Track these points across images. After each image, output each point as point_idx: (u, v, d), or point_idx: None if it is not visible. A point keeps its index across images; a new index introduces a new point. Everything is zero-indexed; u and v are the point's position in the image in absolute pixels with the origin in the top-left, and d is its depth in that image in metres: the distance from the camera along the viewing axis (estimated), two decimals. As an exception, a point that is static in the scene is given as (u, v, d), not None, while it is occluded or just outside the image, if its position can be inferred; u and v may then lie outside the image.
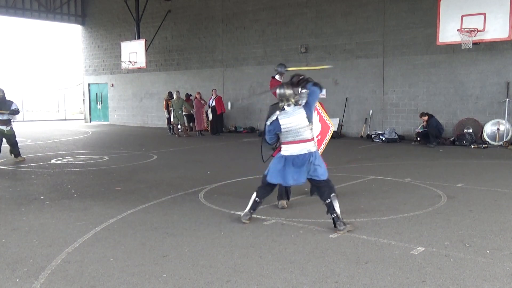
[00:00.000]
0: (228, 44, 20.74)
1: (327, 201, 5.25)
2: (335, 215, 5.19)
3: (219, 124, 19.04)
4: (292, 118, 5.31)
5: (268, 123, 5.43)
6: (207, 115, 19.33)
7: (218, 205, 6.50)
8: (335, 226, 5.19)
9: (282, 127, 5.34)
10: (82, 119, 29.44)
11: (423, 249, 4.56)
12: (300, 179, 5.42)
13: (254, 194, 5.62)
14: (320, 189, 5.38)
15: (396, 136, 15.28)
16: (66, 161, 11.18)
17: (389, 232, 5.13)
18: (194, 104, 18.98)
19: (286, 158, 5.39)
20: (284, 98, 5.36)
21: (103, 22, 26.32)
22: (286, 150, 5.40)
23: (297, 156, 5.33)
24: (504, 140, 13.60)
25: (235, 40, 20.45)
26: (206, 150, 13.90)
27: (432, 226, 5.35)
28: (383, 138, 15.22)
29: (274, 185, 5.68)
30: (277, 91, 5.40)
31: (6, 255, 4.53)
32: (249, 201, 5.64)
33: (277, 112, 5.39)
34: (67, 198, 7.10)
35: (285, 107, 5.36)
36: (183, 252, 4.57)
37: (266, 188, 5.67)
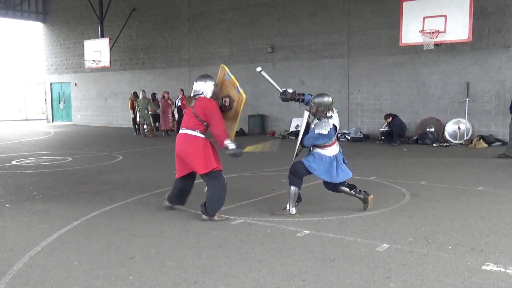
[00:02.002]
0: (194, 43, 20.61)
1: (345, 183, 5.96)
2: (358, 189, 5.97)
3: (185, 124, 18.86)
4: (338, 121, 5.84)
5: (324, 132, 5.64)
6: (173, 115, 19.15)
7: (185, 205, 6.44)
8: (365, 199, 5.94)
9: (336, 131, 5.80)
10: (44, 119, 28.69)
11: (388, 246, 4.65)
12: (349, 174, 5.92)
13: (293, 187, 5.82)
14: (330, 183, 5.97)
15: (361, 135, 15.53)
16: (28, 163, 10.87)
17: (355, 230, 5.20)
18: (160, 103, 18.77)
19: (330, 158, 5.80)
20: (331, 106, 5.76)
21: (65, 20, 25.71)
22: (331, 150, 5.82)
23: (339, 153, 5.88)
24: (465, 138, 14.01)
25: (201, 40, 20.34)
26: (172, 150, 13.67)
27: (396, 223, 5.46)
28: (349, 137, 15.44)
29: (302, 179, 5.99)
30: (328, 99, 5.75)
31: (-36, 260, 4.37)
32: (288, 196, 5.85)
33: (330, 120, 5.70)
34: (28, 200, 6.90)
35: (332, 114, 5.77)
36: (149, 254, 4.51)
37: (300, 180, 5.92)
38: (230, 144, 5.60)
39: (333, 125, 5.70)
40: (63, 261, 4.32)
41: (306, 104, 6.08)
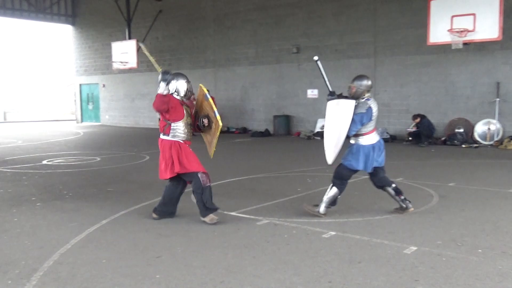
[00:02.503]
0: (220, 44, 20.71)
1: (393, 185, 5.87)
2: (403, 196, 5.85)
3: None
4: (376, 107, 5.74)
5: (363, 111, 5.58)
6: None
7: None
8: (403, 208, 5.85)
9: (373, 115, 5.65)
10: (73, 120, 29.27)
11: (416, 248, 4.58)
12: (382, 162, 5.82)
13: (335, 189, 5.73)
14: (380, 176, 5.89)
15: (388, 136, 15.35)
16: (58, 162, 11.11)
17: (382, 232, 5.15)
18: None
19: (369, 147, 5.67)
20: (370, 89, 5.77)
21: (93, 22, 26.18)
22: (370, 139, 5.70)
23: (379, 141, 5.78)
24: (495, 139, 13.71)
25: (227, 41, 20.44)
26: (198, 150, 13.82)
27: (424, 226, 5.38)
28: (375, 138, 15.25)
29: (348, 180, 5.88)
30: (367, 82, 5.75)
31: (-3, 257, 4.49)
32: (327, 195, 5.77)
33: (367, 102, 5.64)
34: (59, 199, 7.05)
35: (370, 97, 5.74)
36: (176, 253, 4.55)
37: (344, 184, 5.83)
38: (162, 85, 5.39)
39: (370, 107, 5.64)
40: (92, 259, 4.40)
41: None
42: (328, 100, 5.90)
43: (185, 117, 5.65)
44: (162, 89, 5.36)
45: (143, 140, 17.27)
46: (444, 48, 14.34)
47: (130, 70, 22.68)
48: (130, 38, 21.76)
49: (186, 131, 5.65)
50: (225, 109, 20.64)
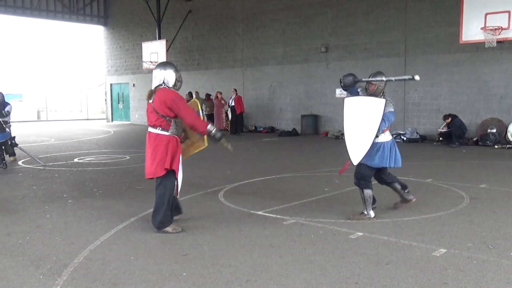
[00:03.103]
0: (248, 44, 20.76)
1: (399, 180, 5.98)
2: (408, 189, 6.04)
3: (238, 124, 19.07)
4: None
5: (391, 109, 5.59)
6: (227, 115, 19.39)
7: (237, 204, 6.52)
8: (406, 200, 6.02)
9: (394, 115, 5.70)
10: (104, 119, 29.82)
11: (445, 250, 4.50)
12: (399, 162, 5.79)
13: (368, 191, 5.68)
14: (387, 173, 5.93)
15: (418, 136, 15.10)
16: (89, 160, 11.35)
17: (410, 233, 5.07)
18: (214, 103, 19.06)
19: (388, 143, 5.67)
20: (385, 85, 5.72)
21: (124, 23, 26.61)
22: (387, 136, 5.71)
23: (392, 140, 5.78)
24: (529, 140, 13.32)
25: (255, 40, 20.47)
26: (226, 149, 13.91)
27: (454, 228, 5.27)
28: (404, 138, 15.06)
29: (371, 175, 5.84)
30: (385, 78, 5.60)
31: (30, 252, 4.62)
32: (363, 199, 5.71)
33: (388, 99, 5.58)
34: (89, 196, 7.20)
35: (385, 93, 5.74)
36: (203, 251, 4.59)
37: (370, 182, 5.76)
38: (212, 128, 5.22)
39: (392, 105, 5.72)
40: (121, 256, 4.48)
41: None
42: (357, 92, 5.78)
43: None
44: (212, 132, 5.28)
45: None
46: (477, 47, 14.02)
47: (160, 70, 22.90)
48: (160, 38, 22.02)
49: (177, 125, 5.28)
50: (253, 108, 20.69)
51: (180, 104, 5.09)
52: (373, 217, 5.66)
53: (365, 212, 5.71)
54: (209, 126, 5.23)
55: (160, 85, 5.21)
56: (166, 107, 5.06)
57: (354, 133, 5.58)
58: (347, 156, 5.66)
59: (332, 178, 8.59)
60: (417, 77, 5.39)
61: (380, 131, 5.54)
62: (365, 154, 5.57)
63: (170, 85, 5.24)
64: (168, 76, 5.23)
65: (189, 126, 5.23)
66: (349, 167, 5.81)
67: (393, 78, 5.67)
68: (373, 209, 5.75)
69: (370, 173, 5.75)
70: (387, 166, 5.75)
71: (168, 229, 5.19)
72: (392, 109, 5.61)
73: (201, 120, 5.23)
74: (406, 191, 6.05)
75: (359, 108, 5.56)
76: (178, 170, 5.30)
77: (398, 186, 5.99)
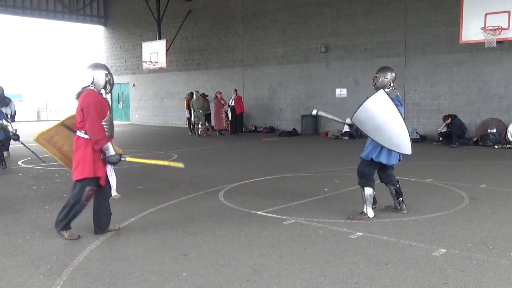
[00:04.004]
0: (248, 43, 20.77)
1: (397, 185, 5.93)
2: (402, 198, 5.95)
3: (238, 124, 19.07)
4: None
5: (393, 96, 5.57)
6: (226, 115, 19.39)
7: (237, 204, 6.52)
8: (397, 208, 5.94)
9: (402, 106, 5.67)
10: (104, 119, 29.79)
11: (445, 250, 4.50)
12: (397, 158, 5.75)
13: (369, 190, 5.62)
14: (388, 172, 5.90)
15: (418, 136, 15.11)
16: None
17: (410, 233, 5.07)
18: (214, 103, 19.06)
19: None
20: (394, 80, 5.77)
21: (124, 23, 26.62)
22: None
23: None
24: (529, 140, 13.33)
25: (255, 40, 20.47)
26: (226, 149, 13.96)
27: (454, 228, 5.28)
28: (405, 138, 15.03)
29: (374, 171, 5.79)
30: (391, 73, 5.72)
31: (30, 252, 4.62)
32: (363, 198, 5.67)
33: (394, 91, 5.68)
34: (89, 196, 7.19)
35: (394, 88, 5.78)
36: (203, 251, 4.59)
37: (372, 180, 5.70)
38: (108, 150, 4.91)
39: (398, 94, 5.77)
40: (121, 256, 4.48)
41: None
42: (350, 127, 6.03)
43: (108, 115, 5.06)
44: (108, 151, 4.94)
45: (172, 139, 17.47)
46: (477, 47, 14.04)
47: (160, 70, 22.97)
48: (160, 38, 22.03)
49: (109, 129, 5.09)
50: (253, 109, 20.70)
51: (91, 112, 4.80)
52: (373, 217, 5.63)
53: (365, 212, 5.68)
54: (105, 147, 4.90)
55: (88, 86, 5.00)
56: (81, 110, 4.87)
57: (385, 134, 5.40)
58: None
59: (332, 178, 8.60)
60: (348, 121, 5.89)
61: (403, 115, 5.52)
62: (370, 149, 5.58)
63: (100, 87, 5.06)
64: (98, 77, 5.01)
65: (88, 134, 4.86)
66: (354, 166, 5.82)
67: (329, 116, 6.12)
68: (373, 209, 5.71)
69: (371, 171, 5.71)
70: (393, 162, 5.71)
71: (64, 233, 4.98)
72: (394, 96, 5.60)
73: (101, 138, 4.85)
74: (400, 199, 5.95)
75: (370, 113, 5.42)
76: (103, 175, 5.01)
77: (393, 192, 5.96)
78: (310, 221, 5.63)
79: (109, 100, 5.34)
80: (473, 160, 10.89)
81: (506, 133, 13.82)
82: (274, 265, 4.21)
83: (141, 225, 5.54)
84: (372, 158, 5.60)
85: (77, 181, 4.94)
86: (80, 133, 4.93)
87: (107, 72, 5.11)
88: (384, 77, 5.70)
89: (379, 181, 6.03)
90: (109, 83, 5.13)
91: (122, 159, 5.11)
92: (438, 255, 4.39)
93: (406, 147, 5.47)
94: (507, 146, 13.20)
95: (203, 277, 3.94)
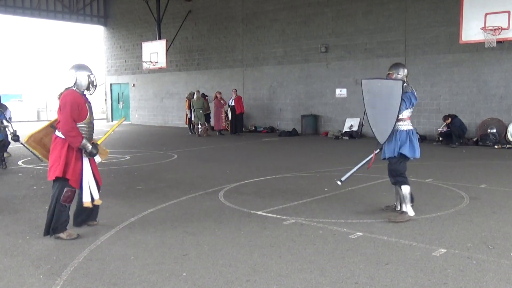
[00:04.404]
0: (248, 43, 20.77)
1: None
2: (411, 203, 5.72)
3: (238, 124, 19.07)
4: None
5: (409, 90, 5.56)
6: (226, 115, 19.39)
7: (237, 204, 6.52)
8: (397, 210, 5.76)
9: (417, 101, 5.66)
10: (104, 119, 29.81)
11: (445, 250, 4.50)
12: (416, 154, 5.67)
13: (406, 188, 5.56)
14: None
15: (418, 136, 15.07)
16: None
17: (410, 233, 5.07)
18: (213, 103, 19.06)
19: (406, 132, 5.59)
20: (407, 76, 5.74)
21: (124, 23, 26.61)
22: (409, 124, 5.65)
23: (414, 130, 5.72)
24: (529, 140, 13.32)
25: (255, 40, 20.47)
26: (226, 149, 13.96)
27: (454, 228, 5.28)
28: (405, 138, 15.03)
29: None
30: (403, 69, 5.74)
31: (30, 252, 4.62)
32: (402, 197, 5.58)
33: (409, 86, 5.64)
34: (89, 196, 7.19)
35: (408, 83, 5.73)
36: (203, 251, 4.59)
37: (406, 177, 5.65)
38: (85, 146, 4.93)
39: (413, 90, 5.69)
40: (121, 256, 4.48)
41: None
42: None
43: (88, 117, 5.09)
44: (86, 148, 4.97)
45: (172, 139, 17.47)
46: (477, 47, 14.03)
47: (160, 70, 22.97)
48: (160, 38, 22.03)
49: (88, 130, 5.11)
50: (253, 109, 20.70)
51: (66, 110, 4.84)
52: (413, 215, 5.54)
53: (405, 210, 5.56)
54: (82, 145, 4.92)
55: (71, 86, 5.04)
56: (59, 109, 4.92)
57: (376, 114, 5.62)
58: (373, 148, 5.79)
59: (332, 178, 8.59)
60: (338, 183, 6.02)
61: (401, 111, 5.48)
62: (394, 145, 5.55)
63: (83, 88, 5.09)
64: (81, 78, 5.05)
65: (63, 127, 4.88)
66: (376, 159, 5.83)
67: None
68: (412, 207, 5.61)
69: (404, 167, 5.65)
70: (418, 155, 5.67)
71: (62, 235, 4.98)
72: (410, 91, 5.59)
73: (74, 135, 4.87)
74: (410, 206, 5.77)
75: (378, 90, 5.60)
76: (77, 178, 4.99)
77: (407, 197, 5.68)
78: (310, 221, 5.63)
79: (92, 102, 5.31)
80: (473, 160, 10.89)
81: (506, 133, 13.81)
82: (274, 265, 4.21)
83: (141, 225, 5.54)
84: (399, 153, 5.57)
85: (55, 181, 4.96)
86: (59, 133, 4.96)
87: (89, 73, 5.13)
88: (398, 74, 5.70)
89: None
90: (92, 84, 5.16)
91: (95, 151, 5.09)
92: (438, 255, 4.39)
93: (383, 137, 5.62)
94: (507, 146, 13.19)
95: (203, 277, 3.94)
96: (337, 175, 8.86)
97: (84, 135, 5.00)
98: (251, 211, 6.10)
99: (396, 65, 5.85)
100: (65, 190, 4.93)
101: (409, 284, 3.75)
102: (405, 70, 5.76)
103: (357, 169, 6.01)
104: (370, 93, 5.67)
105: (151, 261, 4.35)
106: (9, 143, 10.77)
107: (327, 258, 4.35)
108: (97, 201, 5.24)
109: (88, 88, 5.14)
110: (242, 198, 6.94)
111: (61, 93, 5.03)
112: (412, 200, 5.69)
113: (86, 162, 5.09)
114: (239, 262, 4.29)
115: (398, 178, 5.62)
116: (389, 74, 5.77)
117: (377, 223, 5.47)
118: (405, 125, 5.62)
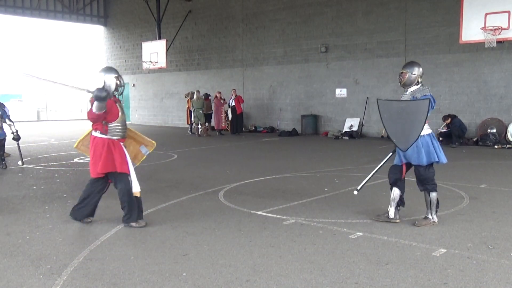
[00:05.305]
0: (248, 44, 20.76)
1: (401, 194, 5.52)
2: (399, 208, 5.54)
3: (239, 124, 19.07)
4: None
5: (427, 93, 5.28)
6: (227, 115, 19.39)
7: (237, 204, 6.52)
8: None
9: (436, 103, 5.35)
10: (104, 119, 29.79)
11: (445, 250, 4.50)
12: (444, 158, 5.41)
13: (396, 190, 5.41)
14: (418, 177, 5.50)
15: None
16: (88, 160, 11.31)
17: (410, 233, 5.07)
18: (213, 103, 19.05)
19: (430, 136, 5.35)
20: (422, 75, 5.44)
21: (124, 23, 26.62)
22: (428, 128, 5.34)
23: (433, 134, 5.40)
24: (529, 140, 13.32)
25: (255, 40, 20.47)
26: (226, 149, 13.95)
27: (454, 228, 5.27)
28: (405, 138, 15.03)
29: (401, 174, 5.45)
30: (418, 68, 5.40)
31: (30, 252, 4.62)
32: (429, 203, 5.35)
33: (426, 88, 5.37)
34: (89, 196, 7.19)
35: (423, 84, 5.45)
36: (202, 251, 4.59)
37: (403, 180, 5.46)
38: (96, 91, 5.13)
39: (430, 92, 5.38)
40: (121, 256, 4.48)
41: None
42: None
43: (120, 116, 5.45)
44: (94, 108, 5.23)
45: (172, 139, 17.46)
46: (477, 47, 14.04)
47: (160, 70, 22.97)
48: (160, 38, 22.03)
49: (122, 129, 5.49)
50: (253, 109, 20.70)
51: (92, 106, 5.25)
52: (437, 222, 5.34)
53: (430, 217, 5.35)
54: (96, 92, 5.10)
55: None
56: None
57: (398, 129, 5.26)
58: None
59: (332, 178, 8.60)
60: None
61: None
62: (430, 150, 5.27)
63: (111, 90, 5.40)
64: (109, 80, 5.39)
65: (91, 120, 5.32)
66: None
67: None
68: (436, 213, 5.40)
69: (433, 173, 5.40)
70: (444, 160, 5.39)
71: (133, 224, 5.44)
72: (428, 93, 5.28)
73: (96, 114, 5.24)
74: (398, 208, 5.56)
75: (400, 110, 5.26)
76: (124, 167, 5.46)
77: (434, 201, 5.40)
78: (310, 221, 5.63)
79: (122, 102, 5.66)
80: (473, 160, 10.89)
81: (506, 133, 13.81)
82: (274, 265, 4.21)
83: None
84: (427, 161, 5.27)
85: (118, 177, 5.44)
86: (96, 133, 5.37)
87: (117, 75, 5.49)
88: (412, 73, 5.35)
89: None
90: (120, 86, 5.54)
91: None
92: (438, 255, 4.39)
93: (405, 146, 5.25)
94: (507, 146, 13.19)
95: (203, 277, 3.94)
96: (337, 175, 8.87)
97: (118, 133, 5.42)
98: (251, 211, 6.10)
99: (411, 64, 5.48)
100: (130, 178, 5.46)
101: (409, 284, 3.75)
102: (420, 69, 5.41)
103: (372, 176, 5.78)
104: (390, 112, 5.33)
105: (151, 261, 4.34)
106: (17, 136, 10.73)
107: (327, 258, 4.35)
108: (137, 193, 5.59)
109: (116, 89, 5.49)
110: (242, 198, 6.94)
111: (92, 97, 5.32)
112: (437, 206, 5.43)
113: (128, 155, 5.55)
114: (239, 262, 4.29)
115: (428, 186, 5.35)
116: (402, 73, 5.43)
117: (377, 223, 5.47)
118: (425, 129, 5.27)
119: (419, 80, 5.42)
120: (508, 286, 3.69)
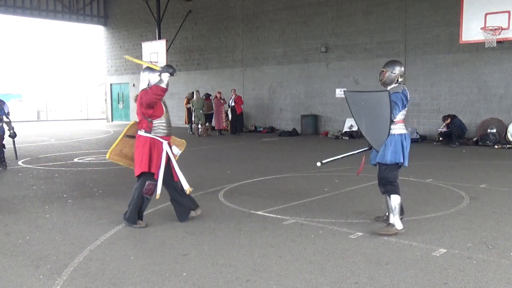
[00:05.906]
0: (248, 44, 20.76)
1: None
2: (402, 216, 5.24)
3: (238, 124, 19.07)
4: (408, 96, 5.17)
5: (399, 90, 5.06)
6: (227, 115, 19.39)
7: (237, 204, 6.52)
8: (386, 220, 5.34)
9: (408, 100, 5.14)
10: (104, 119, 29.84)
11: (445, 250, 4.50)
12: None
13: (396, 198, 5.05)
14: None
15: (418, 136, 15.10)
16: (89, 160, 11.34)
17: (410, 233, 5.07)
18: (213, 103, 19.05)
19: (400, 136, 5.10)
20: (403, 75, 5.25)
21: (124, 23, 26.62)
22: (401, 127, 5.13)
23: (408, 135, 5.20)
24: (529, 140, 13.32)
25: (255, 40, 20.47)
26: (226, 149, 13.95)
27: (454, 228, 5.27)
28: (405, 138, 15.03)
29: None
30: (399, 67, 5.19)
31: (30, 252, 4.62)
32: (390, 207, 5.09)
33: (401, 85, 5.14)
34: (89, 196, 7.20)
35: (403, 83, 5.23)
36: (202, 251, 4.59)
37: (398, 186, 5.15)
38: (162, 69, 5.39)
39: (405, 89, 5.15)
40: (121, 256, 4.48)
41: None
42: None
43: (164, 113, 5.52)
44: (165, 83, 5.36)
45: (172, 139, 17.42)
46: (477, 47, 14.04)
47: (160, 70, 22.93)
48: (160, 38, 22.03)
49: (167, 126, 5.55)
50: (253, 109, 20.70)
51: (142, 99, 5.32)
52: (402, 230, 4.99)
53: (392, 222, 5.04)
54: (163, 74, 5.34)
55: (145, 88, 5.45)
56: (140, 106, 5.35)
57: (367, 124, 5.17)
58: (361, 154, 5.50)
59: (332, 178, 8.59)
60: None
61: (395, 115, 5.00)
62: (397, 150, 5.04)
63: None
64: (154, 79, 5.45)
65: (149, 102, 5.29)
66: (366, 165, 5.66)
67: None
68: (401, 219, 5.08)
69: (395, 175, 5.13)
70: (407, 163, 5.12)
71: (134, 225, 5.45)
72: (400, 91, 5.05)
73: (156, 93, 5.30)
74: (400, 218, 5.26)
75: (363, 102, 5.18)
76: (157, 171, 5.40)
77: (396, 208, 5.10)
78: (310, 221, 5.62)
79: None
80: (473, 160, 10.89)
81: (506, 133, 13.82)
82: (274, 265, 4.20)
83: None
84: (388, 159, 5.05)
85: (138, 176, 5.39)
86: (141, 132, 5.41)
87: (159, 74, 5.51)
88: (392, 72, 5.15)
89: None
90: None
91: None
92: (438, 255, 4.39)
93: (378, 145, 5.16)
94: (507, 146, 13.19)
95: (203, 277, 3.94)
96: (337, 175, 8.87)
97: (162, 131, 5.45)
98: (251, 211, 6.10)
99: (392, 63, 5.27)
100: (147, 183, 5.36)
101: (409, 284, 3.75)
102: (401, 69, 5.19)
103: (342, 157, 5.86)
104: (357, 105, 5.21)
105: (151, 261, 4.34)
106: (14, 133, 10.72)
107: (327, 258, 4.35)
108: (188, 190, 5.64)
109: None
110: (242, 198, 6.93)
111: (137, 95, 5.47)
112: (402, 213, 5.18)
113: (164, 158, 5.48)
114: (239, 262, 4.29)
115: (387, 186, 5.10)
116: (382, 71, 5.27)
117: (377, 223, 5.47)
118: (397, 129, 5.08)
119: (399, 80, 5.22)
120: (508, 286, 3.69)
